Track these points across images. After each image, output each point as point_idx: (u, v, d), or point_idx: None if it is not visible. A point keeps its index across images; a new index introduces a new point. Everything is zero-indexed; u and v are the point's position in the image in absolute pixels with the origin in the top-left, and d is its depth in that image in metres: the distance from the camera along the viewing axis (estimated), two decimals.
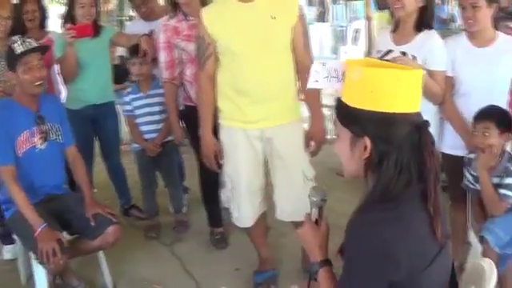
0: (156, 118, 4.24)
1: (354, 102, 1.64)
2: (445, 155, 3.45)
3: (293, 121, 3.36)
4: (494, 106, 3.06)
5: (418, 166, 1.63)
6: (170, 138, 4.30)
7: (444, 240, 1.69)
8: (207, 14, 3.22)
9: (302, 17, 3.31)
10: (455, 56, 3.36)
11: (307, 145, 3.40)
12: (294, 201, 3.38)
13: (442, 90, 3.32)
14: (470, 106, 3.21)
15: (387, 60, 3.33)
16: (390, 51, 3.39)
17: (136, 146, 4.34)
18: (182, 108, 4.10)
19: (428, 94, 3.20)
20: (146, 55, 4.07)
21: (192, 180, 4.79)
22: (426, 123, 1.66)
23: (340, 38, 12.26)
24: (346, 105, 1.67)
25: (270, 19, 3.13)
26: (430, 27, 3.37)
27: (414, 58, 3.27)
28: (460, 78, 3.33)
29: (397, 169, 1.62)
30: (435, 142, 3.22)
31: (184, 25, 3.86)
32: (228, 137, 3.38)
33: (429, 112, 3.40)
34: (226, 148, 3.41)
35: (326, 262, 1.88)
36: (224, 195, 3.60)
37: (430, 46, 3.30)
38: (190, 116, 3.98)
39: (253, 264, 3.79)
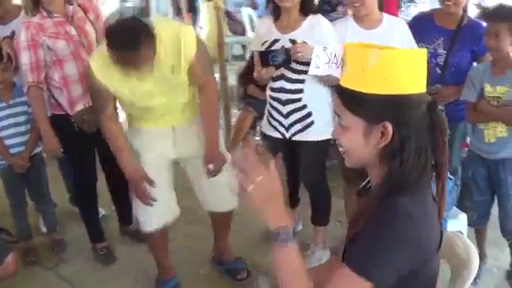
0: (22, 129, 3.76)
1: (369, 87, 1.53)
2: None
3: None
4: None
5: (431, 149, 1.59)
6: (36, 151, 3.87)
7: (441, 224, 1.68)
8: (100, 72, 2.91)
9: (199, 52, 3.03)
10: (345, 39, 3.40)
11: (206, 168, 3.25)
12: (215, 190, 3.34)
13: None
14: None
15: (274, 49, 3.31)
16: (276, 40, 3.36)
17: (2, 162, 3.82)
18: (49, 115, 3.66)
19: (327, 77, 3.24)
20: (11, 60, 3.59)
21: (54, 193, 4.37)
22: (436, 102, 1.62)
23: None
24: (359, 92, 1.55)
25: (170, 74, 2.96)
26: (315, 11, 3.38)
27: (305, 43, 3.26)
28: None
29: (417, 152, 1.56)
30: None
31: (49, 22, 3.50)
32: (138, 137, 3.22)
33: (324, 99, 3.43)
34: (136, 148, 3.22)
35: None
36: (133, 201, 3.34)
37: (320, 31, 3.31)
38: (60, 126, 3.63)
39: (149, 275, 3.61)
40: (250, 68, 5.13)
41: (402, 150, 1.54)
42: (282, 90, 3.41)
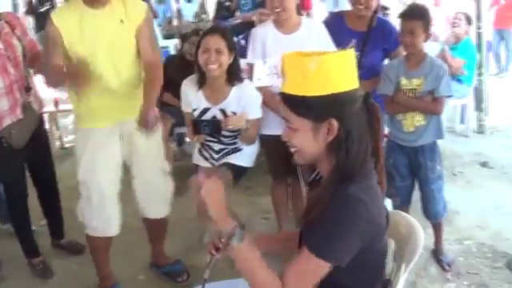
0: None
1: (311, 91, 1.72)
2: (265, 136, 3.65)
3: None
4: None
5: (370, 136, 1.80)
6: None
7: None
8: (56, 15, 3.10)
9: (147, 19, 3.23)
10: (265, 44, 3.55)
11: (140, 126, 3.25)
12: (155, 197, 3.49)
13: (256, 133, 3.57)
14: None
15: (205, 120, 3.43)
16: (206, 109, 3.48)
17: None
18: None
19: (247, 137, 3.50)
20: None
21: None
22: (370, 94, 1.82)
23: None
24: (302, 96, 1.73)
25: (119, 23, 3.10)
26: (240, 79, 3.48)
27: (234, 113, 3.43)
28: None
29: (359, 140, 1.75)
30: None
31: None
32: (84, 140, 3.27)
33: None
34: (80, 152, 3.27)
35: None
36: (79, 207, 3.37)
37: (246, 98, 3.43)
38: None
39: (89, 286, 3.61)
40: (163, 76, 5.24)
41: (347, 140, 1.74)
42: (217, 142, 3.61)
